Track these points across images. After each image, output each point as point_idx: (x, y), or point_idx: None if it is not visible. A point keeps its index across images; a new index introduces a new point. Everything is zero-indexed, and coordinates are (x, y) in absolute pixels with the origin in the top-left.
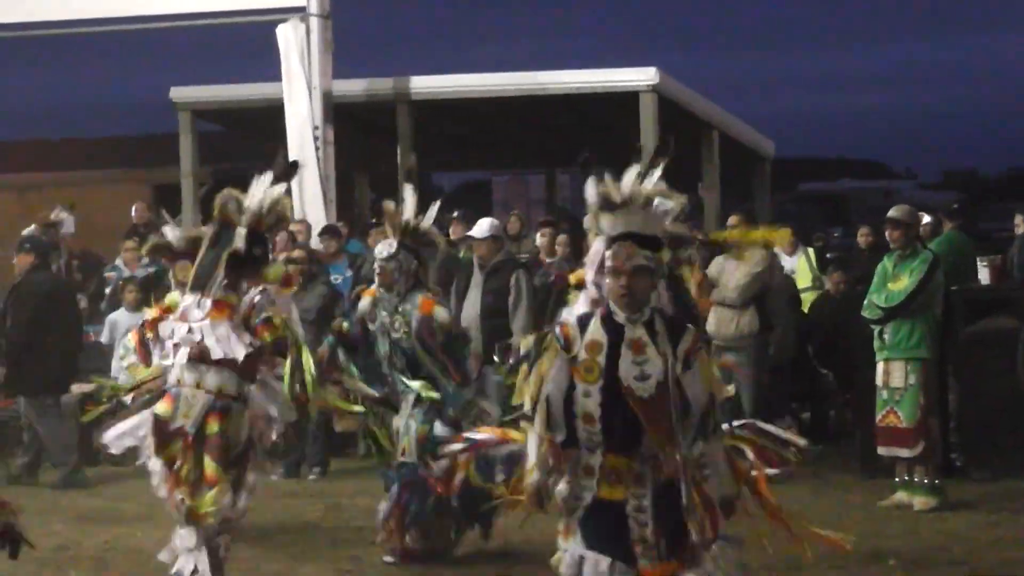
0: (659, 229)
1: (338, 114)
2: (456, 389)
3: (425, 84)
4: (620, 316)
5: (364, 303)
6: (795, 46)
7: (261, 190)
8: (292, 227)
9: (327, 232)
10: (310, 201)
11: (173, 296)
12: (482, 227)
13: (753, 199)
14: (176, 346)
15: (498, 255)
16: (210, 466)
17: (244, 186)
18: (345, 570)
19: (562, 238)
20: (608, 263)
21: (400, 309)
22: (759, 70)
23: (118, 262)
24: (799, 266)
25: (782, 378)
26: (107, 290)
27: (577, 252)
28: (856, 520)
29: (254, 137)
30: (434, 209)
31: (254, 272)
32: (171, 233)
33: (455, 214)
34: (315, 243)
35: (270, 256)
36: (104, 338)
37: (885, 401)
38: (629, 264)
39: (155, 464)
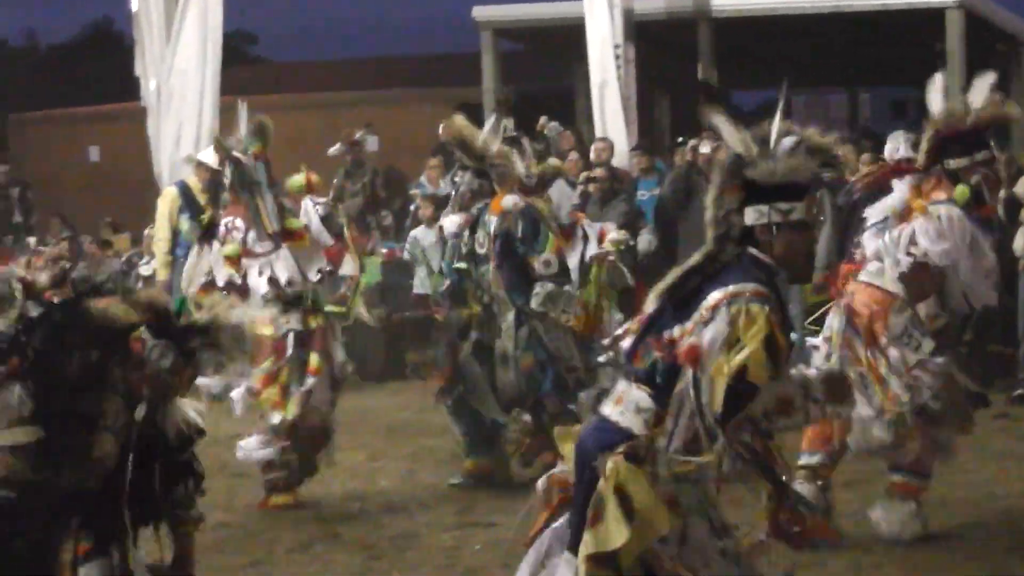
0: None
1: (639, 32)
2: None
3: (726, 1)
4: (783, 277)
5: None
6: None
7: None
8: (595, 145)
9: (639, 148)
10: (611, 120)
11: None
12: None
13: None
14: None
15: None
16: (313, 358)
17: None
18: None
19: (865, 157)
20: (798, 216)
21: (480, 223)
22: None
23: (422, 179)
24: None
25: None
26: (411, 207)
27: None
28: None
29: (555, 56)
30: (501, 127)
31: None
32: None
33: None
34: (617, 161)
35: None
36: (406, 254)
37: None
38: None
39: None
